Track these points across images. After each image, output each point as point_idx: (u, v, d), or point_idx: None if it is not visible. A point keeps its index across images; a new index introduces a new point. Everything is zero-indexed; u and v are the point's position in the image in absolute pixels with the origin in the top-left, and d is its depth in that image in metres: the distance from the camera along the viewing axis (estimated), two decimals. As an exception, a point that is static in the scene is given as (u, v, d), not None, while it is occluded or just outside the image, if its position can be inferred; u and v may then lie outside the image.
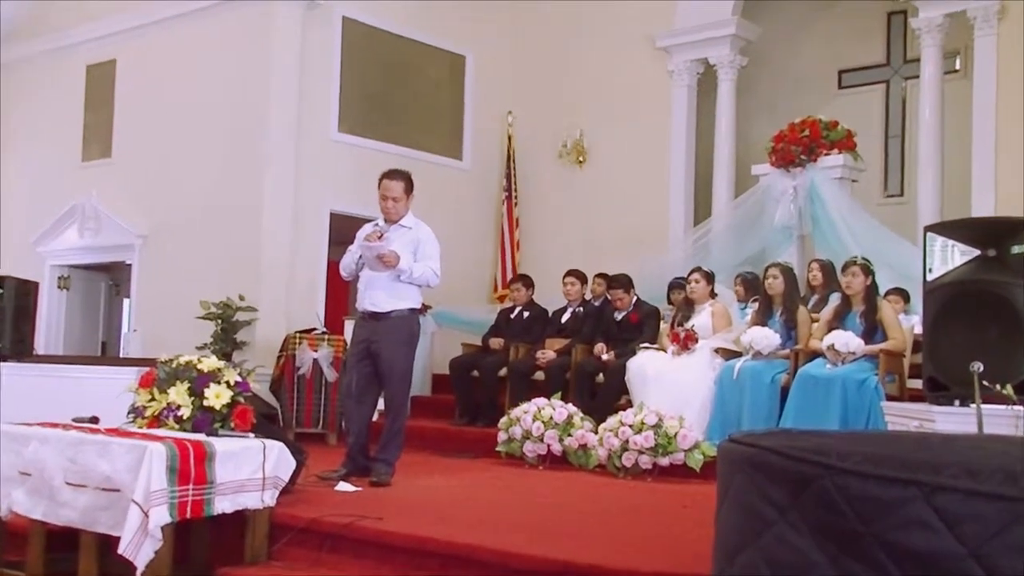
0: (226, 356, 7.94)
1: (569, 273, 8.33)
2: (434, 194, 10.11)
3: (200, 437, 4.18)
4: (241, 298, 8.55)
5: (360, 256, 5.65)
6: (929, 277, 4.47)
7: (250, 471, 4.20)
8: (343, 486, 5.37)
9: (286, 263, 9.09)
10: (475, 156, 10.98)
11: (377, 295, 5.66)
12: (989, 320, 4.21)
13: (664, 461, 6.15)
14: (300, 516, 4.44)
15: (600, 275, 8.45)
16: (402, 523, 4.35)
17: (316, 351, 8.13)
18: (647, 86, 10.35)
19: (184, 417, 4.36)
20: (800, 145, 8.77)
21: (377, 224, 5.71)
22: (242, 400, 4.51)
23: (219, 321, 8.47)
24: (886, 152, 10.38)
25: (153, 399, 4.45)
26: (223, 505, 4.08)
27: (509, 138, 11.00)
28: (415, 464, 6.38)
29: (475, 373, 8.25)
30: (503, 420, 6.94)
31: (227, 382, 4.48)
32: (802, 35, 10.55)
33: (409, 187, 5.73)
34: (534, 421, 6.69)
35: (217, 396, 4.39)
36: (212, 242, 9.25)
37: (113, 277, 11.66)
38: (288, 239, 9.13)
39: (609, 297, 8.07)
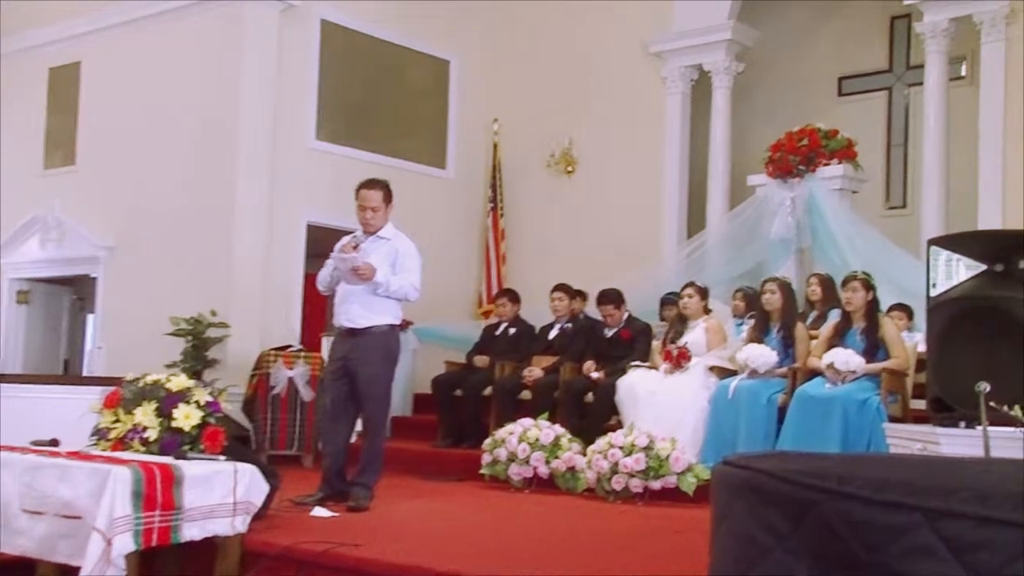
0: (196, 375, 7.90)
1: (557, 288, 8.32)
2: (416, 205, 10.11)
3: (168, 460, 4.15)
4: (213, 313, 8.51)
5: (336, 268, 5.64)
6: (933, 292, 4.49)
7: (220, 496, 4.16)
8: (319, 511, 5.35)
9: (260, 277, 9.06)
10: (459, 165, 10.98)
11: (353, 310, 5.65)
12: (996, 338, 4.22)
13: (656, 484, 6.14)
14: (273, 543, 4.41)
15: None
16: (381, 550, 4.33)
17: (292, 369, 8.10)
18: (640, 93, 10.39)
19: (151, 439, 4.33)
20: (798, 155, 8.81)
21: (355, 236, 5.71)
22: (213, 421, 4.48)
23: (189, 338, 8.43)
24: (888, 162, 10.44)
25: (118, 420, 4.42)
26: (192, 532, 4.05)
27: (495, 146, 11.01)
28: (395, 488, 6.35)
29: (459, 392, 8.23)
30: (488, 441, 6.92)
31: (197, 402, 4.46)
32: (801, 40, 10.61)
33: (388, 197, 5.73)
34: (520, 442, 6.67)
35: (186, 417, 4.36)
36: (182, 255, 9.22)
37: (77, 291, 11.59)
38: (263, 252, 9.09)
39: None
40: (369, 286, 5.55)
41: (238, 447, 5.09)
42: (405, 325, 9.49)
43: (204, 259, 9.03)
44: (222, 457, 4.36)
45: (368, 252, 5.58)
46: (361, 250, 5.55)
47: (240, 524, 4.25)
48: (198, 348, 8.42)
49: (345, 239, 5.72)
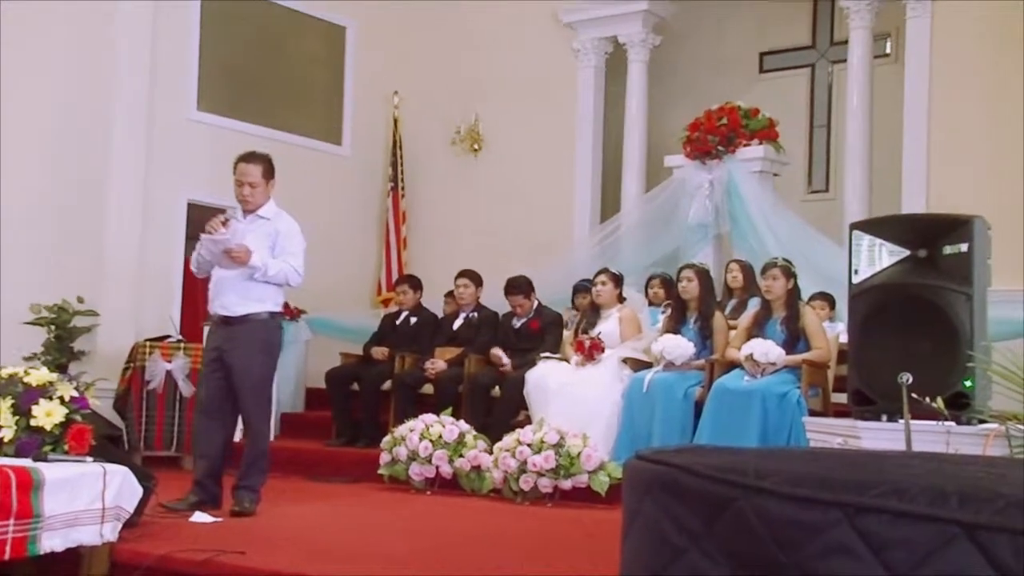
0: (60, 368, 7.67)
1: (462, 274, 8.32)
2: (310, 184, 9.97)
3: (25, 463, 4.02)
4: (80, 300, 8.29)
5: (206, 250, 5.53)
6: (855, 279, 4.59)
7: (87, 501, 4.06)
8: (199, 517, 5.28)
9: (135, 260, 8.85)
10: (356, 141, 10.88)
11: (229, 297, 5.55)
12: (919, 327, 4.34)
13: (566, 484, 6.18)
14: (147, 553, 4.33)
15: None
16: (268, 558, 4.29)
17: (170, 362, 7.93)
18: (550, 66, 10.41)
19: (5, 439, 4.19)
20: (717, 135, 8.93)
21: (226, 213, 5.60)
22: (79, 419, 4.36)
23: (52, 327, 8.19)
24: (811, 143, 10.66)
25: (-33, 419, 4.26)
26: (52, 542, 3.93)
27: (395, 122, 10.94)
28: (285, 491, 6.29)
29: (355, 386, 8.21)
30: (386, 439, 6.89)
31: (61, 398, 4.33)
32: (721, 12, 10.75)
33: (269, 172, 5.66)
34: (421, 440, 6.66)
35: (48, 414, 4.23)
36: (45, 235, 8.92)
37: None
38: (137, 233, 8.89)
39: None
40: (245, 270, 5.45)
41: (108, 447, 4.97)
42: (298, 314, 9.40)
43: (70, 240, 8.76)
44: (89, 458, 4.25)
45: (245, 233, 5.49)
46: (231, 228, 5.43)
47: (109, 532, 4.15)
48: (62, 339, 8.18)
49: (218, 217, 5.61)
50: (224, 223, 5.44)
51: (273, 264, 5.49)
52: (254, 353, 5.57)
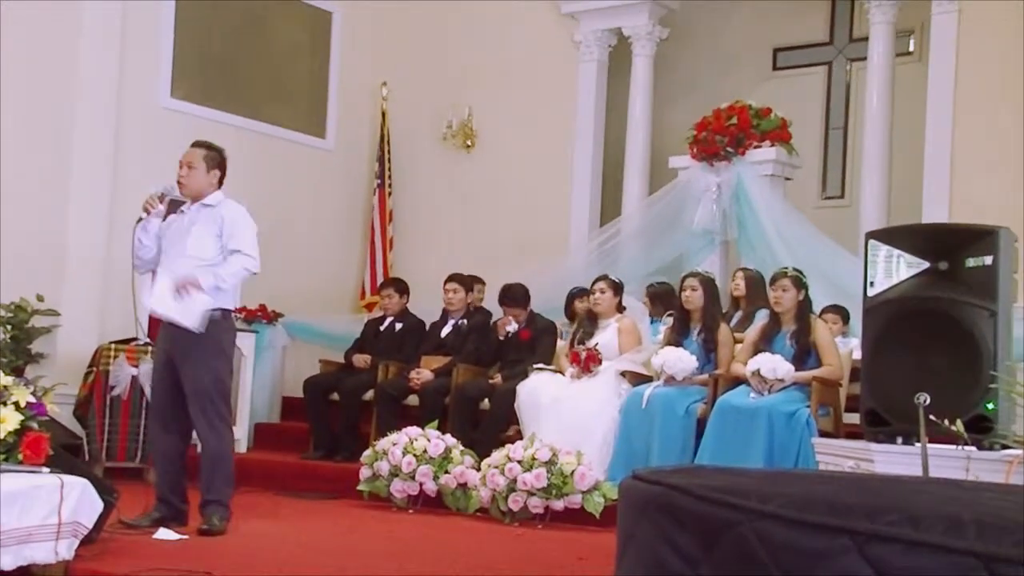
0: (17, 371, 7.65)
1: (451, 278, 8.35)
2: (290, 178, 9.98)
3: (-24, 473, 4.01)
4: (39, 299, 8.26)
5: (139, 238, 5.59)
6: (870, 292, 4.59)
7: (42, 516, 4.05)
8: (164, 533, 5.27)
9: (100, 257, 8.82)
10: (341, 135, 10.87)
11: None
12: (938, 344, 4.34)
13: (558, 504, 6.18)
14: (106, 572, 4.34)
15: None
16: (235, 580, 4.27)
17: (136, 366, 7.91)
18: (549, 59, 10.42)
19: (-44, 447, 4.18)
20: (726, 135, 8.93)
21: (164, 188, 5.63)
22: (35, 426, 4.36)
23: (9, 327, 8.17)
24: (826, 146, 10.68)
25: (-86, 424, 4.25)
26: (3, 560, 3.91)
27: (383, 114, 10.93)
28: (257, 506, 6.29)
29: (335, 396, 8.20)
30: (367, 453, 6.89)
31: (16, 403, 4.33)
32: (732, 5, 10.77)
33: (213, 162, 5.70)
34: (404, 455, 6.65)
35: (2, 420, 4.21)
36: (2, 228, 8.91)
37: None
38: (104, 227, 8.86)
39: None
40: (192, 260, 5.46)
41: (67, 457, 4.95)
42: (274, 316, 9.38)
43: (31, 235, 8.73)
44: (46, 469, 4.24)
45: (191, 223, 5.55)
46: (167, 203, 5.51)
47: (65, 550, 4.14)
48: (19, 340, 8.16)
49: (153, 193, 5.66)
50: (160, 199, 5.52)
51: (223, 270, 5.46)
52: (206, 357, 5.52)
